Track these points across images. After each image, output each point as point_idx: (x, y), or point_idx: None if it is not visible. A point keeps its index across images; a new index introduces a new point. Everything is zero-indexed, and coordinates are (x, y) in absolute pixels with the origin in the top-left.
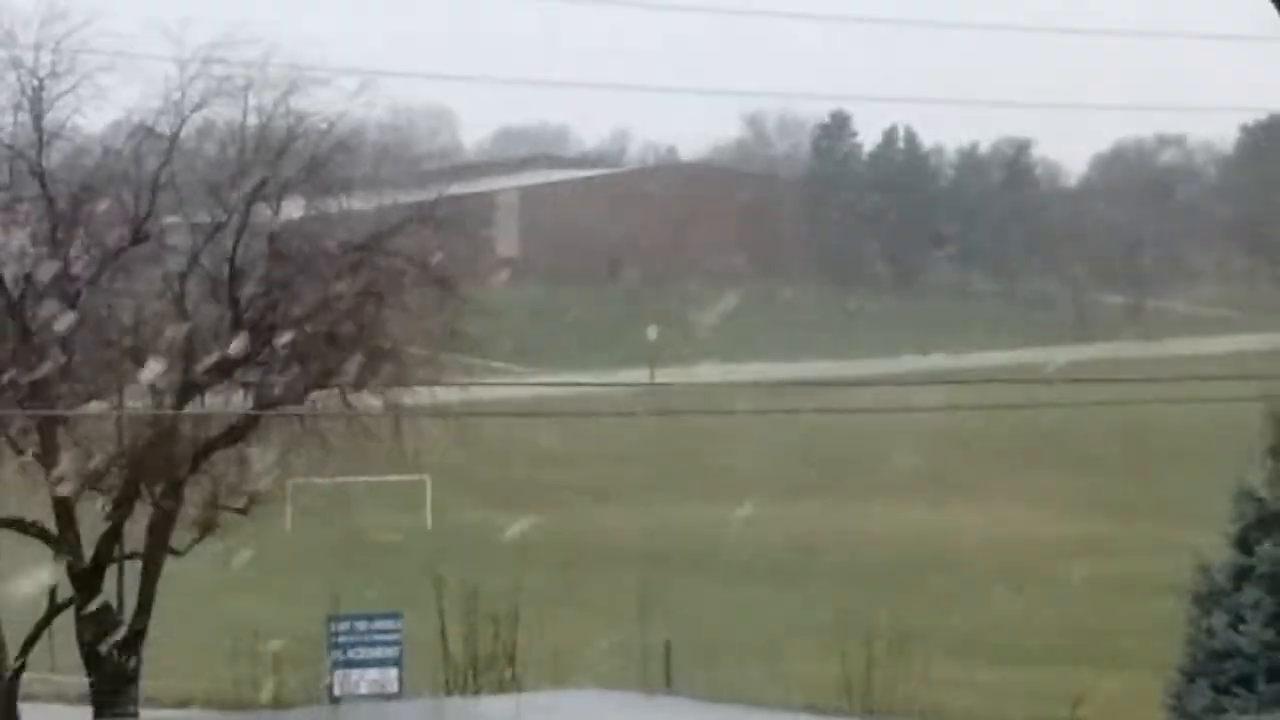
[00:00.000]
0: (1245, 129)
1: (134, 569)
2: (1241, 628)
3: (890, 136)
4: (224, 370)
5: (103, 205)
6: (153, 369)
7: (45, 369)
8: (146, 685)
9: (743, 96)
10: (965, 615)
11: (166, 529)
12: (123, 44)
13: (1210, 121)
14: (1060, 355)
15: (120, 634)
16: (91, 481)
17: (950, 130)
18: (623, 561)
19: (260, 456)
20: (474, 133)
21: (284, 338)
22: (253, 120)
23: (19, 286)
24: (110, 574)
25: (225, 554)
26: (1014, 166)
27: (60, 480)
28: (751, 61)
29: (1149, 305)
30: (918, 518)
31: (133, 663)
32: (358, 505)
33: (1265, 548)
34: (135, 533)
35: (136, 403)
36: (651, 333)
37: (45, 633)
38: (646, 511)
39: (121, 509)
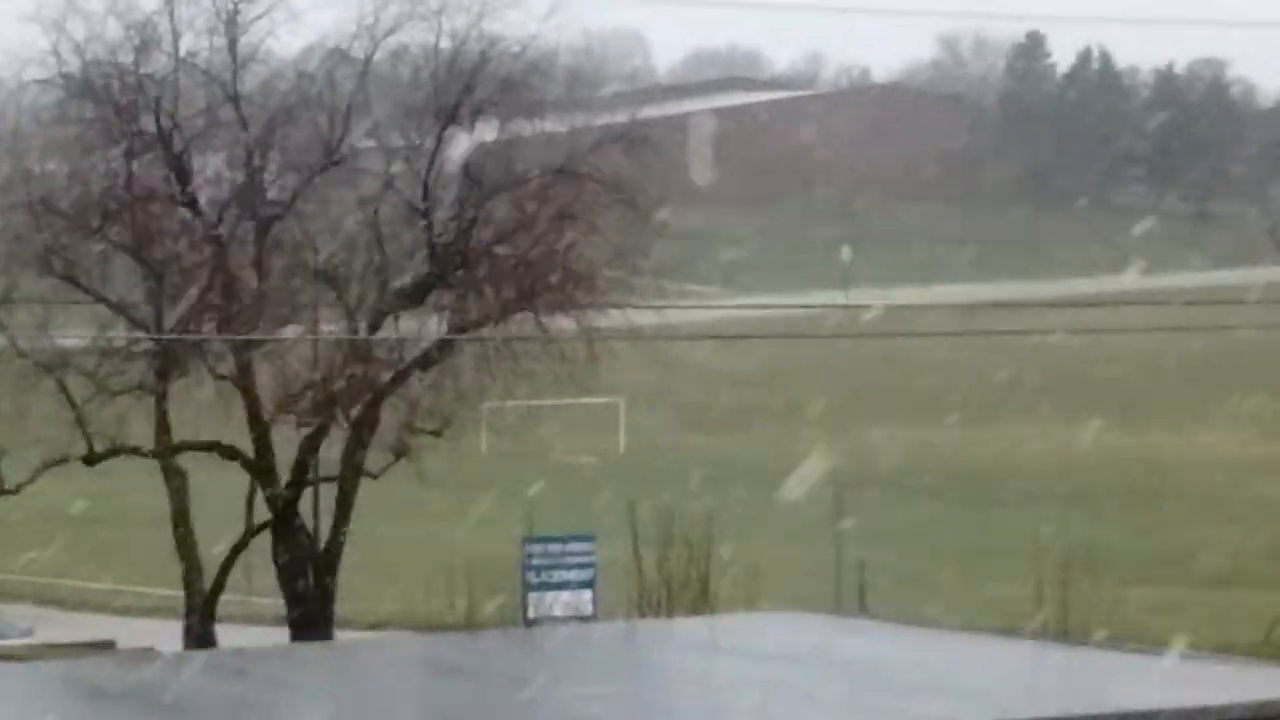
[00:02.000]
0: None
1: (329, 492)
2: None
3: (1085, 57)
4: (418, 294)
5: (297, 129)
6: None
7: (241, 293)
8: (342, 607)
9: (937, 17)
10: (1161, 538)
11: (361, 452)
12: None
13: None
14: (1255, 276)
15: (316, 557)
16: (287, 406)
17: (1145, 51)
18: (816, 483)
19: (454, 380)
20: (665, 55)
21: (478, 261)
22: (445, 44)
23: (215, 210)
24: (305, 497)
25: (420, 477)
26: (1210, 87)
27: (257, 404)
28: None
29: None
30: (1113, 440)
31: (328, 585)
32: (552, 428)
33: None
34: (330, 456)
35: (331, 327)
36: (846, 254)
37: (242, 555)
38: (840, 434)
39: (317, 433)
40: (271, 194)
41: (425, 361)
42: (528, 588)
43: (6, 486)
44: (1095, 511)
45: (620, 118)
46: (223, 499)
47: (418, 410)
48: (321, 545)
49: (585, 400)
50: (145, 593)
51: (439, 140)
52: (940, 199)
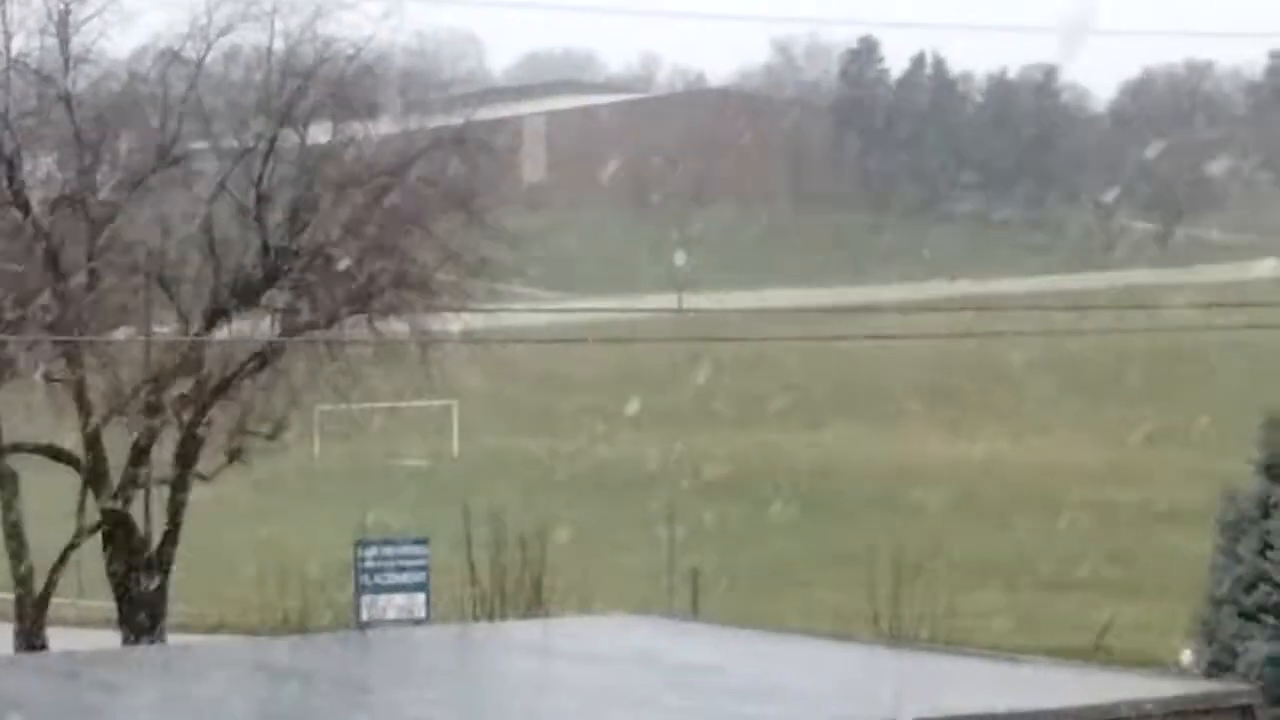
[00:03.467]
0: (1275, 55)
1: (162, 495)
2: (1269, 554)
3: (918, 62)
4: (251, 296)
5: (130, 130)
6: None
7: (72, 294)
8: (175, 610)
9: (771, 22)
10: (995, 543)
11: (194, 455)
12: None
13: (1239, 47)
14: (1087, 282)
15: (148, 560)
16: (119, 407)
17: (979, 56)
18: (650, 487)
19: (287, 382)
20: (500, 58)
21: (311, 263)
22: (279, 45)
23: (46, 211)
24: (138, 500)
25: (252, 479)
26: (1042, 92)
27: (88, 406)
28: None
29: (1178, 232)
30: (945, 445)
31: (160, 588)
32: (385, 431)
33: None
34: (163, 459)
35: (163, 329)
36: (679, 258)
37: (73, 557)
38: (673, 438)
39: (149, 435)
40: (103, 194)
41: (258, 364)
42: (361, 591)
43: None
44: (930, 516)
45: (454, 120)
46: (55, 502)
47: (250, 413)
48: (154, 548)
49: (418, 403)
50: None
51: (272, 142)
52: (774, 203)
